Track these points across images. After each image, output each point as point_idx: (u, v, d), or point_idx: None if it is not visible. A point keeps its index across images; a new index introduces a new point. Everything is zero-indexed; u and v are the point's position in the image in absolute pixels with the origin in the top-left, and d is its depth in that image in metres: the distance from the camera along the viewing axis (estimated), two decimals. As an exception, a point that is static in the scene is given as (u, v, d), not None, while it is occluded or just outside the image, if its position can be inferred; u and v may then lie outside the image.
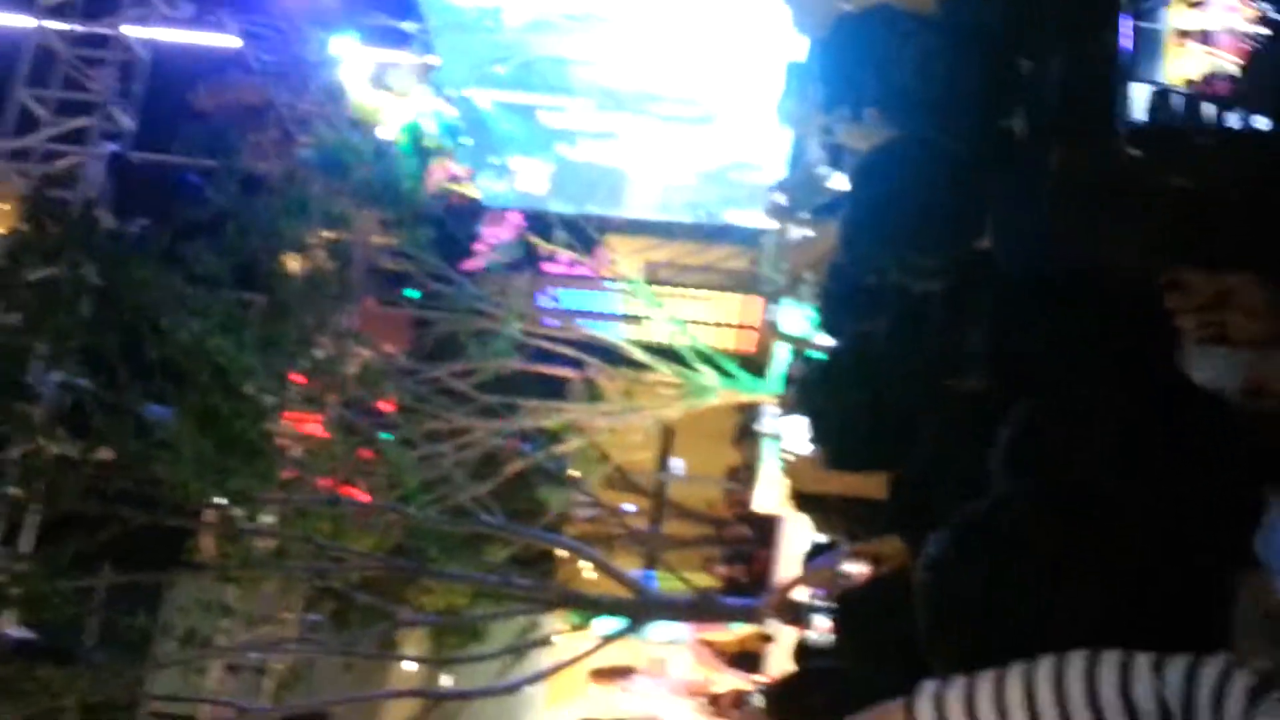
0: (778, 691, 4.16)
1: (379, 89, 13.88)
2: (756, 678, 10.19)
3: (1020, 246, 2.52)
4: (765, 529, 11.91)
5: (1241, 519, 1.47)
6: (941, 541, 1.50)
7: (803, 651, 4.46)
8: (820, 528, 5.08)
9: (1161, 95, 2.39)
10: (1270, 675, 1.23)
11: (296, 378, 10.84)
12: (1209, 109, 2.27)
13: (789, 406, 7.18)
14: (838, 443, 3.46)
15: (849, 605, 2.95)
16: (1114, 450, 1.48)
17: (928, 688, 1.40)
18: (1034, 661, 1.34)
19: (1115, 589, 1.40)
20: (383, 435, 10.92)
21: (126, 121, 14.78)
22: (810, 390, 4.00)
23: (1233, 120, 2.20)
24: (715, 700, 10.66)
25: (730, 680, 10.54)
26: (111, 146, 14.54)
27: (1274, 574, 1.42)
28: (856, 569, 3.45)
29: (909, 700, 1.41)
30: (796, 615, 4.37)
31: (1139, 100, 2.42)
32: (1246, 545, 1.46)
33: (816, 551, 5.38)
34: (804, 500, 4.15)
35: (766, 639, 10.34)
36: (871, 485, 3.11)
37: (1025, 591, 1.43)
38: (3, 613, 9.15)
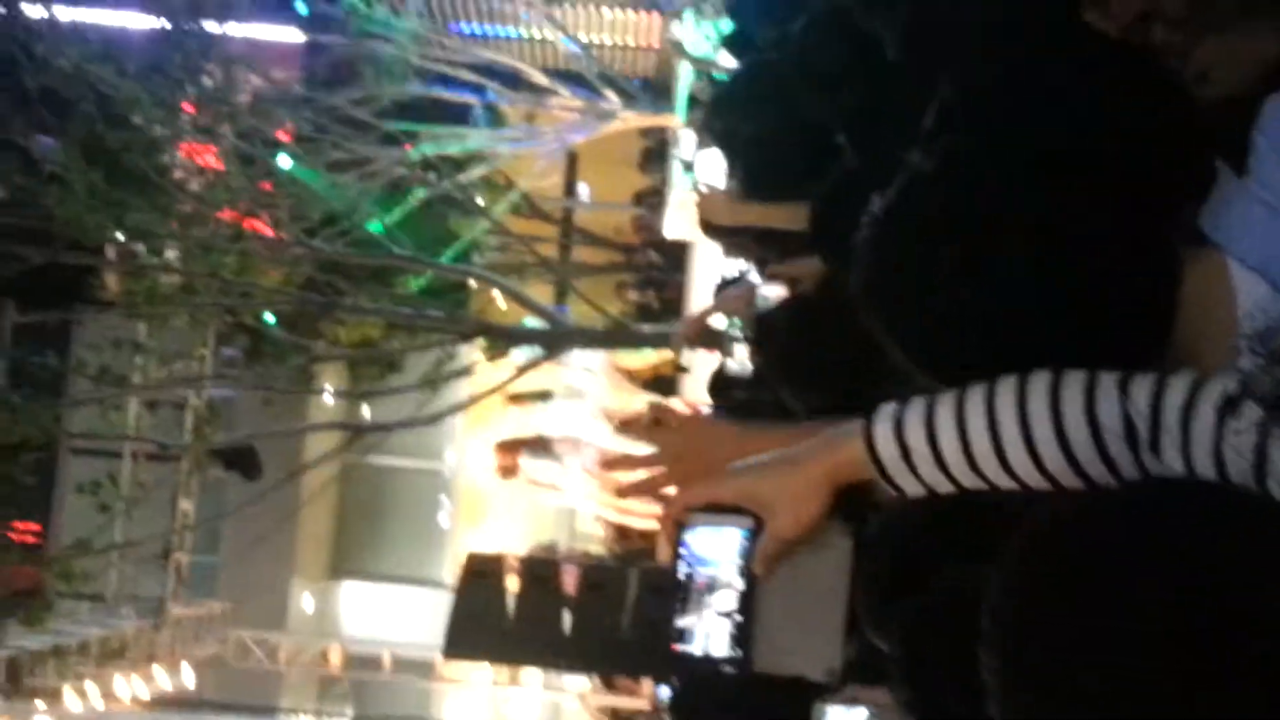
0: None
1: None
2: (673, 402, 10.42)
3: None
4: (676, 254, 11.97)
5: (1190, 192, 1.42)
6: (888, 197, 1.43)
7: (720, 381, 4.49)
8: (732, 255, 5.07)
9: None
10: (1237, 394, 1.20)
11: (188, 108, 10.45)
12: None
13: (697, 131, 7.06)
14: (752, 166, 3.40)
15: (766, 328, 2.93)
16: (1059, 108, 1.41)
17: (886, 409, 1.36)
18: (995, 381, 1.30)
19: (1063, 248, 1.34)
20: (282, 165, 10.64)
21: None
22: (720, 110, 3.90)
23: None
24: (630, 423, 10.91)
25: (646, 403, 10.76)
26: None
27: (1222, 251, 1.37)
28: (772, 293, 3.45)
29: (867, 422, 1.37)
30: (713, 342, 4.38)
31: None
32: (1194, 221, 1.42)
33: (727, 283, 5.40)
34: (716, 231, 4.09)
35: (681, 369, 10.53)
36: (787, 215, 3.05)
37: (970, 241, 1.36)
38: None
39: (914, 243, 1.39)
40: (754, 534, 1.39)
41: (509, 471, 11.12)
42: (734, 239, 3.99)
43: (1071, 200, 1.36)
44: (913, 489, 1.36)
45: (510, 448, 10.71)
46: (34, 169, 9.34)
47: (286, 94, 11.34)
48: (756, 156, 3.44)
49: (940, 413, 1.33)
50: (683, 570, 1.40)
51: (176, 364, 11.75)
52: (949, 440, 1.32)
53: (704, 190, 3.26)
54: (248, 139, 10.40)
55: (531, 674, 12.64)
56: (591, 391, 10.45)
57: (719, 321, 4.36)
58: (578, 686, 12.26)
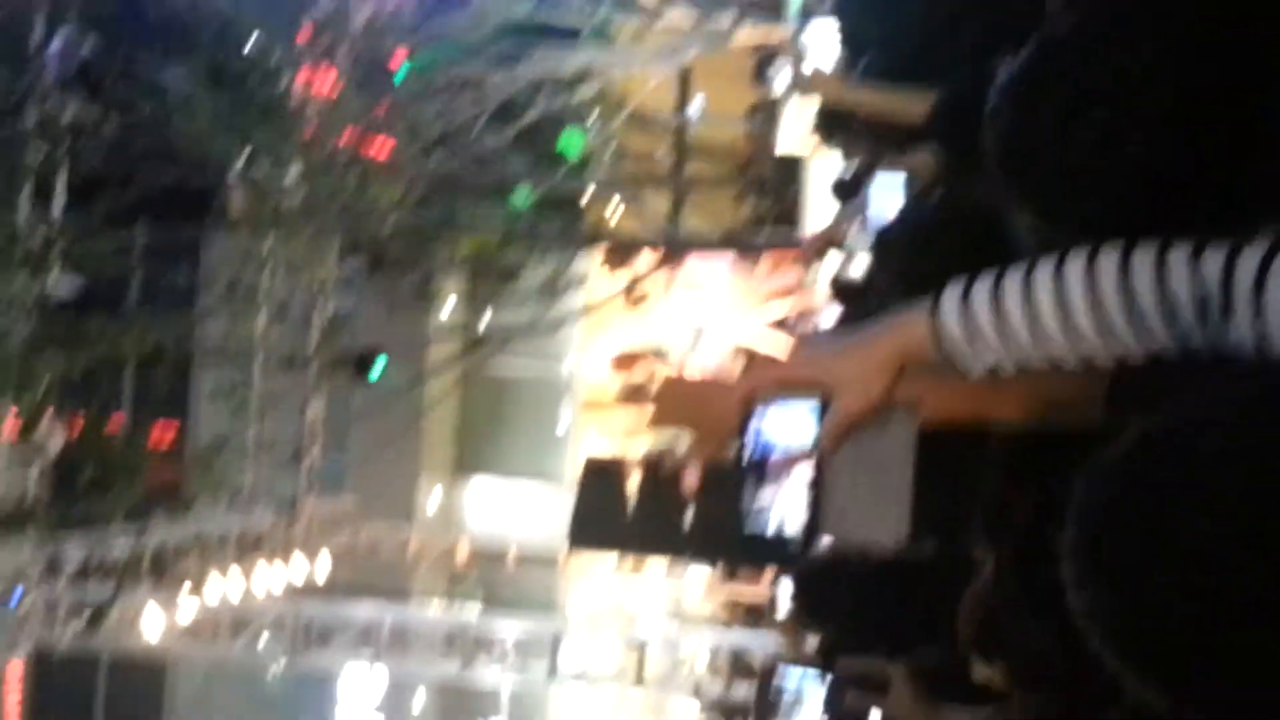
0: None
1: None
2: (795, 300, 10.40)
3: None
4: (790, 167, 11.90)
5: None
6: (1019, 63, 1.36)
7: (841, 286, 4.50)
8: (846, 153, 5.06)
9: None
10: None
11: (304, 36, 10.62)
12: None
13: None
14: (872, 64, 3.40)
15: (884, 243, 2.94)
16: None
17: (953, 288, 1.34)
18: (1063, 254, 1.27)
19: (1210, 104, 1.29)
20: (396, 83, 10.78)
21: None
22: (840, 11, 3.89)
23: None
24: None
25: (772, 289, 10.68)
26: None
27: None
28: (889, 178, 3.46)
29: (933, 303, 1.35)
30: (836, 246, 4.38)
31: None
32: None
33: (841, 184, 5.38)
34: (829, 124, 4.06)
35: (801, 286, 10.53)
36: (901, 102, 3.06)
37: (1114, 100, 1.31)
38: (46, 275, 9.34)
39: (1055, 105, 1.35)
40: (820, 413, 1.40)
41: (632, 393, 11.20)
42: (846, 132, 3.96)
43: (1216, 55, 1.30)
44: (978, 367, 1.34)
45: (627, 362, 10.81)
46: (161, 97, 9.60)
47: (399, 17, 11.45)
48: (876, 57, 3.45)
49: (1007, 286, 1.31)
50: (751, 450, 1.43)
51: (302, 275, 12.06)
52: (1015, 313, 1.30)
53: (815, 70, 3.20)
54: (362, 63, 10.56)
55: (654, 563, 12.82)
56: (712, 286, 10.42)
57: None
58: (700, 576, 12.41)
